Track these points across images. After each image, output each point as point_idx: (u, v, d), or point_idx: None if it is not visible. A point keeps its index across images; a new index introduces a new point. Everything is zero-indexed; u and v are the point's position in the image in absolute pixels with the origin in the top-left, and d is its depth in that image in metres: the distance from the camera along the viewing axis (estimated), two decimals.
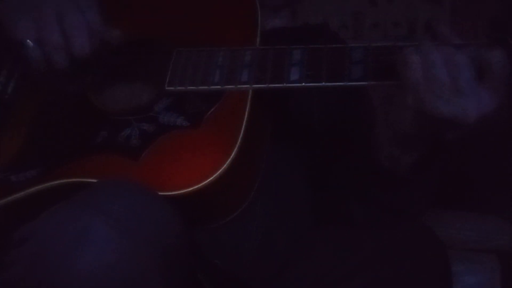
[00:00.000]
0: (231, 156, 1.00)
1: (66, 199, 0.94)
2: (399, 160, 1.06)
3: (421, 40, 0.98)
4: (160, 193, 0.98)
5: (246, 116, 1.03)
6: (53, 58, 1.05)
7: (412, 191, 1.11)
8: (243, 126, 1.02)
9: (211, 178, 0.99)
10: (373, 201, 1.12)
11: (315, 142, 1.22)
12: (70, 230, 0.88)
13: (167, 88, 1.08)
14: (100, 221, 0.88)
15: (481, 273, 1.53)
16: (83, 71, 1.10)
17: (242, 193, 1.07)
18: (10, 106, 1.15)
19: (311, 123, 1.23)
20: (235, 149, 1.01)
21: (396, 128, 1.01)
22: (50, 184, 1.04)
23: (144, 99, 1.11)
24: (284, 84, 1.04)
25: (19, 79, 1.16)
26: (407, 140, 1.03)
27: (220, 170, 0.99)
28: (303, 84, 1.03)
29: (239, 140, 1.01)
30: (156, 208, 0.95)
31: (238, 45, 1.09)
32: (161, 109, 1.07)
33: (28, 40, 1.04)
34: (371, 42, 1.04)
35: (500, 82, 0.94)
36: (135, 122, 1.07)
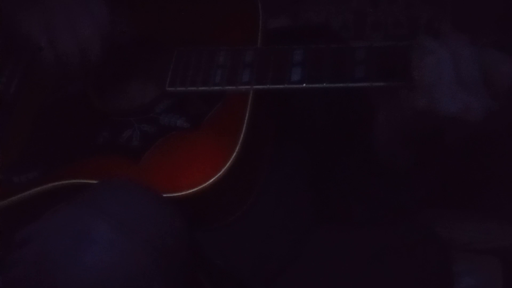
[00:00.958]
0: (232, 158, 1.00)
1: (68, 199, 0.94)
2: (399, 158, 1.06)
3: (426, 39, 0.97)
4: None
5: (247, 117, 1.03)
6: (68, 64, 1.04)
7: (412, 188, 1.11)
8: (244, 127, 1.02)
9: (211, 180, 0.99)
10: (373, 198, 1.12)
11: (316, 141, 1.22)
12: (72, 231, 0.88)
13: (167, 88, 1.08)
14: (102, 222, 0.88)
15: (483, 274, 1.52)
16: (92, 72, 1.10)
17: (243, 194, 1.07)
18: (12, 106, 1.15)
19: (312, 122, 1.23)
20: (236, 151, 1.00)
21: (397, 126, 1.01)
22: (52, 186, 1.04)
23: (145, 99, 1.11)
24: (286, 85, 1.03)
25: (21, 79, 1.17)
26: (408, 138, 1.03)
27: (221, 172, 0.99)
28: (305, 85, 1.03)
29: (240, 141, 1.01)
30: (158, 208, 0.95)
31: (240, 45, 1.09)
32: (162, 110, 1.07)
33: (42, 45, 1.03)
34: (373, 42, 1.03)
35: (505, 88, 0.93)
36: (136, 123, 1.07)
